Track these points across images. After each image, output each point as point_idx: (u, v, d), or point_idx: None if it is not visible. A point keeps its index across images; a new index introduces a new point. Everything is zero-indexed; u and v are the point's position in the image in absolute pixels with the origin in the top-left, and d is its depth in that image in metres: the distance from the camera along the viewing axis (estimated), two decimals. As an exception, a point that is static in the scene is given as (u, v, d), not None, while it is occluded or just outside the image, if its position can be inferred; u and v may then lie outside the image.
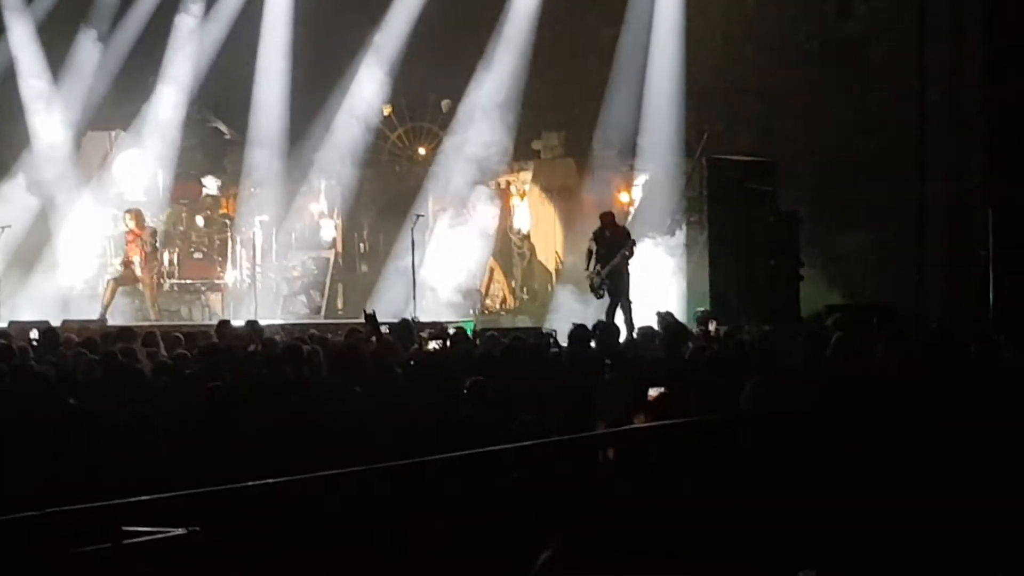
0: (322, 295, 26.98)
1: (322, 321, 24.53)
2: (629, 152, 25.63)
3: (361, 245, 28.61)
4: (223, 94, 28.38)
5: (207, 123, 29.18)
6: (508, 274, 27.01)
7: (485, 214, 26.51)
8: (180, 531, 6.70)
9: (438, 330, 18.53)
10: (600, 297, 22.01)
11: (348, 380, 12.06)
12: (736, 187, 22.13)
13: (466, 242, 26.33)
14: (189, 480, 7.18)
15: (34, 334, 18.09)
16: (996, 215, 21.11)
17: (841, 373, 11.38)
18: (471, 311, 25.68)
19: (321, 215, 27.58)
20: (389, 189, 28.80)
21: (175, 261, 26.58)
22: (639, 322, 19.93)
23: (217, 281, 26.88)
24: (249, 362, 13.86)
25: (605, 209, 24.09)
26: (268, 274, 26.81)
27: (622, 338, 16.73)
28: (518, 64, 26.39)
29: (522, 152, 27.13)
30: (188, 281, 26.93)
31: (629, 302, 21.60)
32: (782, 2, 25.11)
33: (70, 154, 27.75)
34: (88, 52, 27.76)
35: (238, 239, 26.76)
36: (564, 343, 15.24)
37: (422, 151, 28.49)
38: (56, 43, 27.67)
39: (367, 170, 27.96)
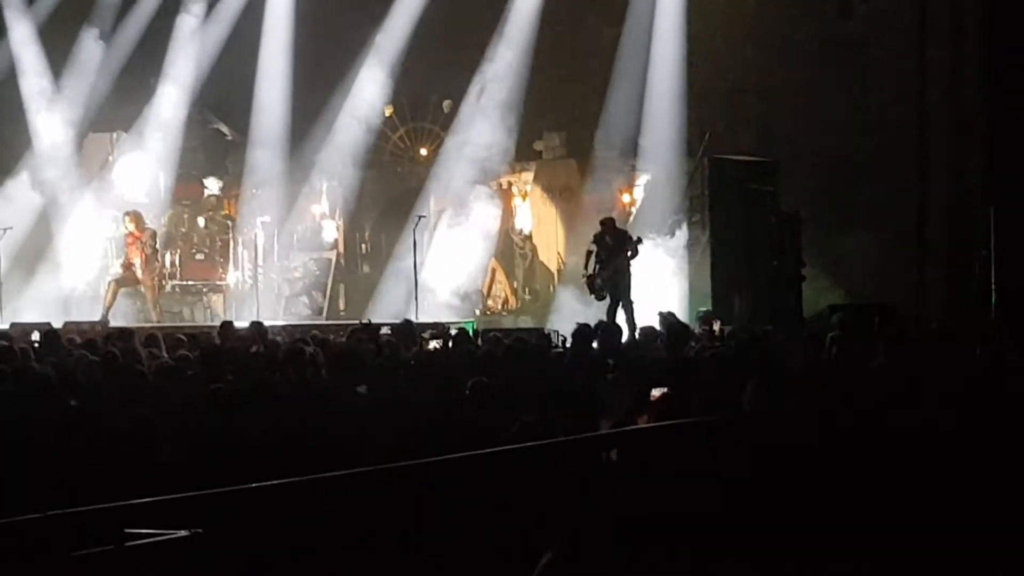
0: (324, 296, 27.00)
1: (324, 322, 24.54)
2: (631, 152, 25.63)
3: (363, 246, 28.64)
4: (224, 95, 28.40)
5: (208, 124, 29.20)
6: (510, 275, 27.03)
7: (487, 215, 26.53)
8: (183, 533, 6.70)
9: (439, 330, 18.54)
10: (601, 299, 21.99)
11: (349, 381, 12.06)
12: (738, 187, 22.14)
13: (468, 243, 26.35)
14: (192, 481, 7.18)
15: (35, 335, 18.10)
16: (997, 214, 21.11)
17: (843, 373, 11.39)
18: (475, 311, 25.71)
19: (323, 216, 27.59)
20: (391, 190, 28.83)
21: (177, 262, 26.59)
22: (640, 322, 19.93)
23: (219, 282, 26.90)
24: (251, 363, 13.86)
25: (607, 209, 24.11)
26: (270, 275, 26.83)
27: (624, 338, 16.72)
28: (519, 64, 26.40)
29: (524, 152, 27.14)
30: (190, 282, 26.95)
31: (631, 302, 21.58)
32: (783, 2, 25.13)
33: (71, 155, 27.76)
34: (90, 51, 27.76)
35: (240, 240, 26.77)
36: (568, 343, 15.26)
37: (424, 152, 28.51)
38: (57, 44, 27.67)
39: (369, 171, 27.98)
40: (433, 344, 16.43)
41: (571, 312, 22.59)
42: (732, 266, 21.78)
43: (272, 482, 7.06)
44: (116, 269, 25.28)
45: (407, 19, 27.04)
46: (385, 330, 17.97)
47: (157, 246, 25.18)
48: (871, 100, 24.46)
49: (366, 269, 28.40)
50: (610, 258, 21.89)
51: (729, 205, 22.17)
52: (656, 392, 10.68)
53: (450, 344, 16.32)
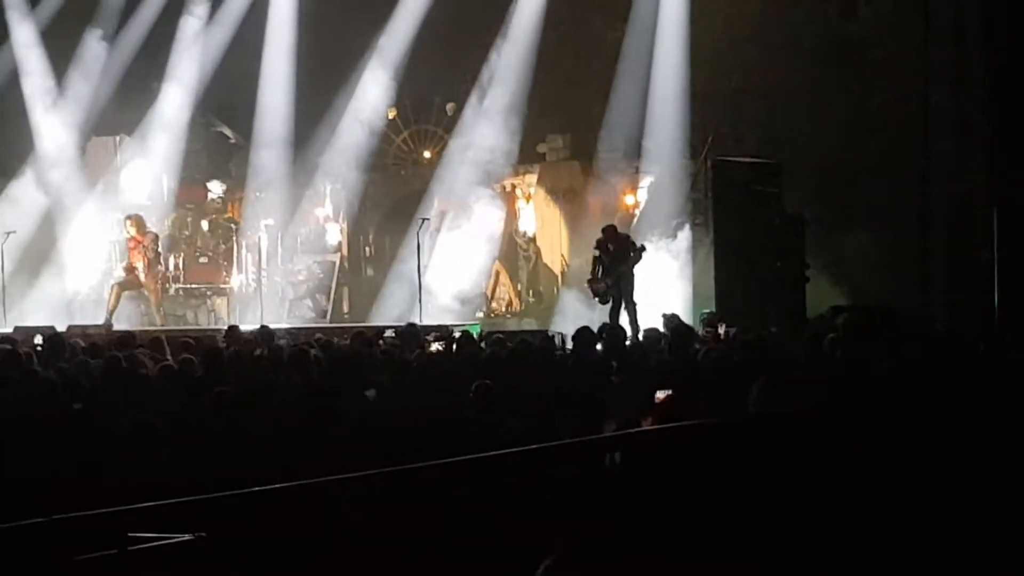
0: (328, 299, 26.99)
1: (328, 325, 24.54)
2: (634, 154, 25.62)
3: (367, 249, 28.64)
4: (228, 98, 28.40)
5: (212, 127, 29.22)
6: (514, 277, 27.04)
7: (490, 217, 26.53)
8: (186, 536, 6.70)
9: (443, 333, 18.55)
10: (605, 303, 21.97)
11: (352, 384, 12.06)
12: (741, 189, 22.11)
13: (471, 245, 26.35)
14: (195, 485, 7.18)
15: (38, 339, 18.11)
16: (1000, 215, 21.10)
17: (846, 374, 11.38)
18: (478, 314, 25.71)
19: (326, 219, 27.59)
20: (394, 193, 28.83)
21: (180, 265, 26.60)
22: (643, 324, 19.92)
23: (223, 286, 26.91)
24: (255, 367, 13.86)
25: (611, 210, 24.13)
26: (274, 278, 26.84)
27: (627, 340, 16.70)
28: (523, 67, 26.39)
29: (527, 155, 27.14)
30: (193, 286, 26.94)
31: (634, 304, 21.58)
32: (785, 4, 25.12)
33: (75, 158, 27.78)
34: (93, 53, 27.77)
35: (243, 243, 26.78)
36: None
37: (427, 154, 28.51)
38: (61, 46, 27.68)
39: (372, 174, 27.98)
40: (435, 346, 16.43)
41: (575, 314, 22.61)
42: (735, 268, 21.75)
43: (274, 485, 7.06)
44: (119, 273, 25.28)
45: (410, 21, 27.02)
46: (389, 333, 17.99)
47: (159, 250, 25.16)
48: (874, 101, 24.46)
49: (370, 272, 28.40)
50: (613, 265, 21.86)
51: (732, 207, 22.15)
52: (660, 394, 10.69)
53: (453, 346, 16.30)
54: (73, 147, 27.74)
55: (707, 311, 21.64)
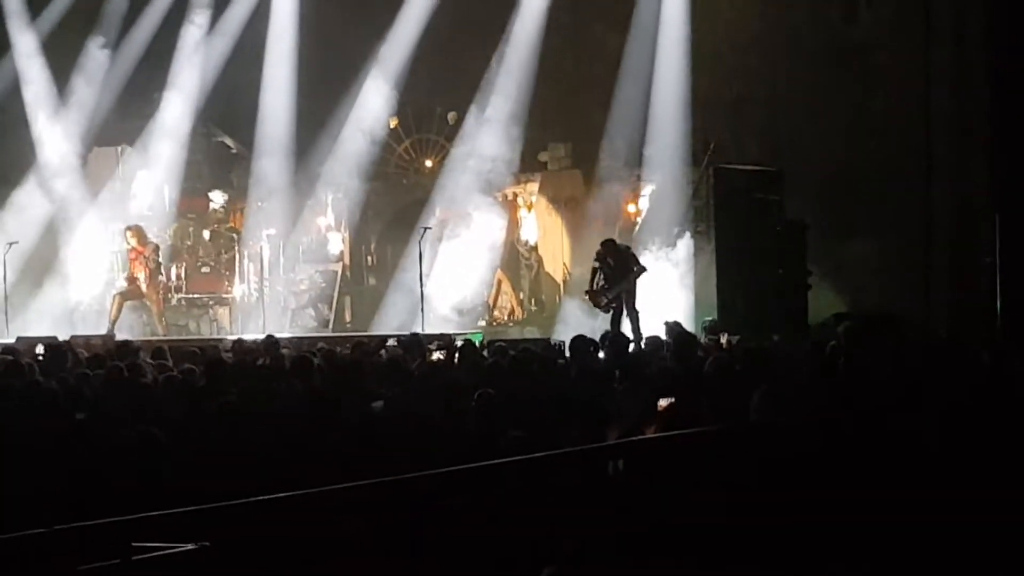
0: (330, 308, 27.01)
1: (330, 334, 24.55)
2: (635, 162, 25.62)
3: (369, 258, 28.66)
4: (229, 108, 28.41)
5: (213, 137, 29.23)
6: (516, 285, 27.04)
7: (492, 226, 26.53)
8: (190, 546, 6.70)
9: (445, 341, 18.55)
10: (607, 312, 21.95)
11: (354, 393, 12.06)
12: (743, 196, 22.10)
13: (473, 254, 26.36)
14: (197, 494, 7.18)
15: (40, 349, 18.11)
16: (1002, 220, 21.08)
17: (848, 382, 11.37)
18: (480, 322, 25.72)
19: (328, 228, 27.60)
20: (396, 201, 28.84)
21: (182, 275, 26.62)
22: (646, 332, 19.92)
23: (225, 295, 26.93)
24: (257, 375, 13.85)
25: (612, 219, 24.15)
26: (276, 288, 26.86)
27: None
28: (524, 75, 26.40)
29: (529, 163, 27.16)
30: (195, 295, 26.97)
31: (636, 312, 21.57)
32: (787, 10, 25.10)
33: (77, 168, 27.79)
34: (96, 61, 27.78)
35: (245, 253, 26.80)
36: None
37: (429, 163, 28.53)
38: (63, 55, 27.70)
39: (374, 183, 28.00)
40: (437, 355, 16.43)
41: (577, 323, 22.60)
42: (737, 275, 21.73)
43: (277, 495, 7.06)
44: (121, 283, 25.30)
45: (411, 30, 27.04)
46: (392, 342, 17.99)
47: (160, 260, 25.18)
48: (875, 107, 24.44)
49: (372, 281, 28.41)
50: (614, 279, 21.84)
51: (734, 214, 22.13)
52: (663, 402, 10.68)
53: (455, 355, 16.30)
54: (75, 157, 27.76)
55: (709, 319, 21.64)
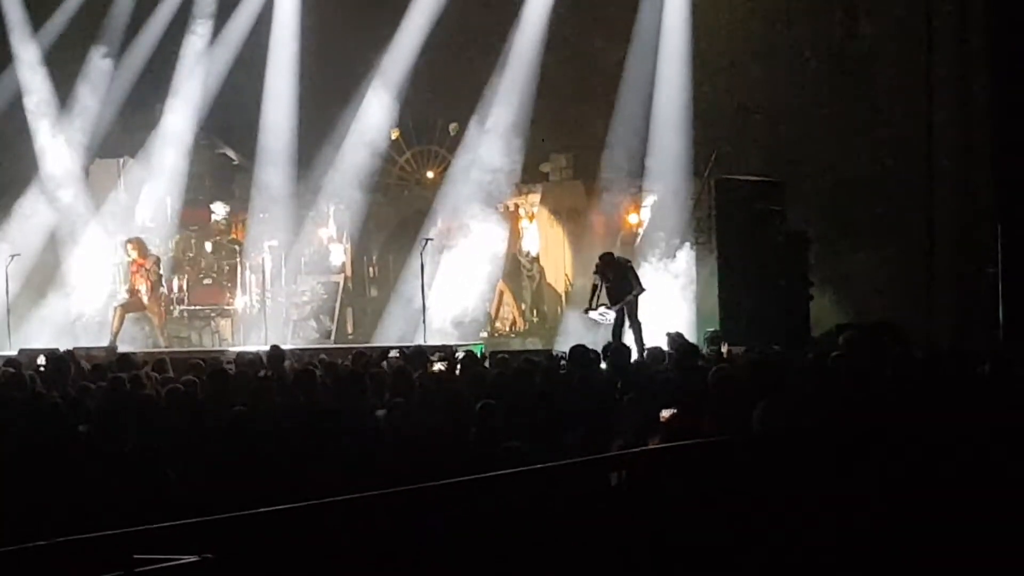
0: (332, 320, 27.00)
1: (332, 346, 24.55)
2: (637, 173, 25.60)
3: (370, 269, 28.66)
4: (231, 119, 28.42)
5: (215, 149, 29.25)
6: (517, 296, 27.04)
7: (494, 237, 26.52)
8: (193, 558, 6.69)
9: (447, 353, 18.54)
10: (607, 321, 21.95)
11: (356, 404, 12.05)
12: (745, 207, 22.10)
13: (475, 265, 26.35)
14: (200, 506, 7.18)
15: (42, 360, 18.10)
16: (1004, 231, 21.07)
17: (850, 392, 11.36)
18: (482, 334, 25.71)
19: (330, 240, 27.61)
20: (398, 213, 28.84)
21: (184, 287, 26.64)
22: (647, 343, 19.93)
23: (227, 307, 26.94)
24: (260, 387, 13.84)
25: (614, 230, 24.13)
26: (278, 299, 26.85)
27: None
28: (525, 86, 26.41)
29: (530, 174, 27.16)
30: (197, 307, 26.98)
31: (638, 323, 21.58)
32: (789, 22, 25.10)
33: (80, 180, 27.81)
34: (98, 71, 27.80)
35: (247, 264, 26.81)
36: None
37: (430, 175, 28.53)
38: (65, 67, 27.72)
39: (376, 194, 28.01)
40: (438, 366, 16.42)
41: (578, 334, 22.57)
42: (739, 286, 21.73)
43: (280, 507, 7.06)
44: (123, 295, 25.30)
45: (412, 41, 27.06)
46: (394, 354, 17.98)
47: (162, 272, 25.16)
48: (877, 118, 24.44)
49: (374, 292, 28.41)
50: (616, 291, 21.84)
51: (736, 225, 22.13)
52: (665, 413, 10.67)
53: (457, 366, 16.29)
54: (77, 169, 27.78)
55: (711, 329, 21.63)
